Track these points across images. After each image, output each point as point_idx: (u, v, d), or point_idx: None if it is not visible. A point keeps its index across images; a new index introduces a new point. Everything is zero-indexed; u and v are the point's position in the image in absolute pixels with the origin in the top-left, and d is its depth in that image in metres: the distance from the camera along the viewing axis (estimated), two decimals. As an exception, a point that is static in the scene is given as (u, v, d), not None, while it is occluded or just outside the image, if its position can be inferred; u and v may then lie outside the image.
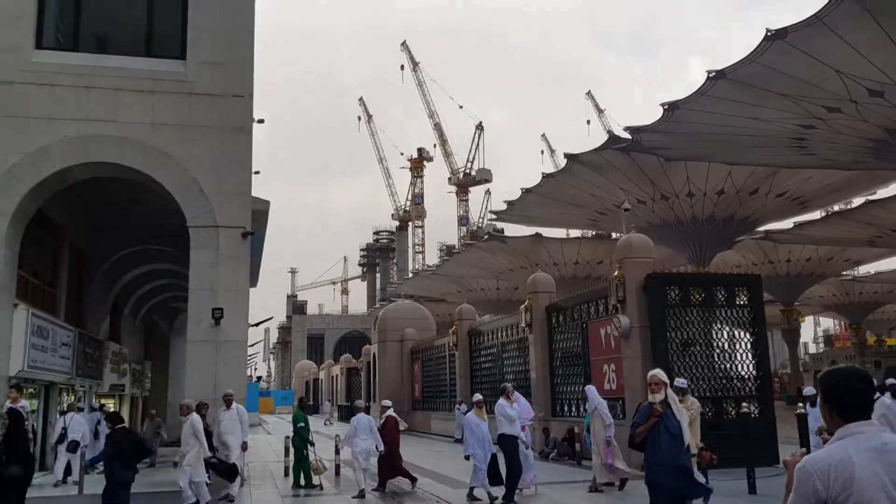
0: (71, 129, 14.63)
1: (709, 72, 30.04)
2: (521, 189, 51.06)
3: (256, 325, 16.19)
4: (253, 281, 37.79)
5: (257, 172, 16.46)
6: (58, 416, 17.78)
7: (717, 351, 16.11)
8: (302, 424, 15.06)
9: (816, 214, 54.33)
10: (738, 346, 16.29)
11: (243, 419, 13.05)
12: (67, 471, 16.00)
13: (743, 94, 30.43)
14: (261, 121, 16.07)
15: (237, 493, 12.73)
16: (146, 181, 15.16)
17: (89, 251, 21.84)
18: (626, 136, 39.38)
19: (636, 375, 15.86)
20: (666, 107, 33.27)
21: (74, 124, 14.67)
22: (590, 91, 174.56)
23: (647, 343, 15.81)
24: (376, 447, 13.80)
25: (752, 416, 15.65)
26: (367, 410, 15.31)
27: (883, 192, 46.24)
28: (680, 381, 10.97)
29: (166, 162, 14.93)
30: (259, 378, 72.02)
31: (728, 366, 16.17)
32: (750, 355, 16.24)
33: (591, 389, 14.14)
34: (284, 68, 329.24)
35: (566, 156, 44.97)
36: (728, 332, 16.19)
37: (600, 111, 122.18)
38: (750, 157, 38.96)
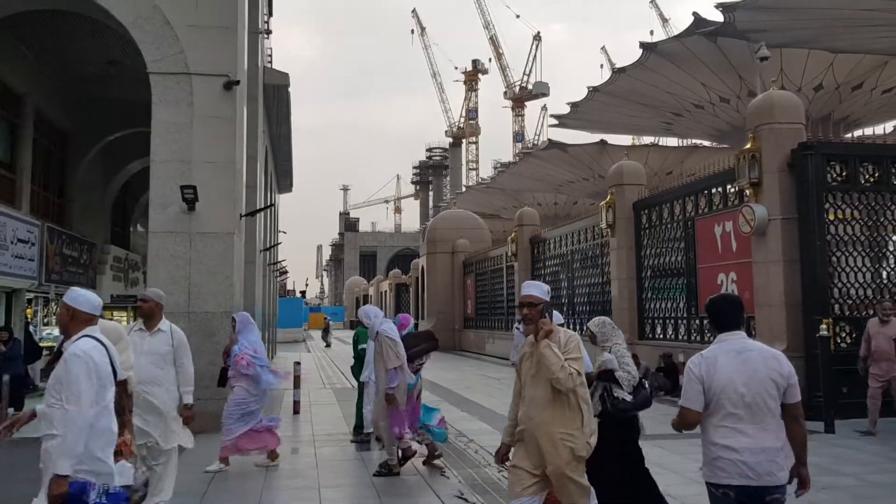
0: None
1: (832, -78, 24.26)
2: (588, 88, 45.83)
3: (251, 214, 11.75)
4: (287, 185, 33.96)
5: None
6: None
7: None
8: (365, 346, 10.34)
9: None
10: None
11: (179, 353, 6.48)
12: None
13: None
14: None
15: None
16: (92, 12, 10.91)
17: (71, 135, 17.86)
18: (714, 19, 33.95)
19: (774, 287, 11.35)
20: (771, -27, 27.64)
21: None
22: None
23: (794, 241, 11.23)
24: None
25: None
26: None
27: None
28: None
29: (116, -19, 10.62)
30: (303, 293, 69.06)
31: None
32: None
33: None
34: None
35: (642, 45, 39.44)
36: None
37: (665, 20, 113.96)
38: (863, 41, 33.01)
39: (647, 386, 6.01)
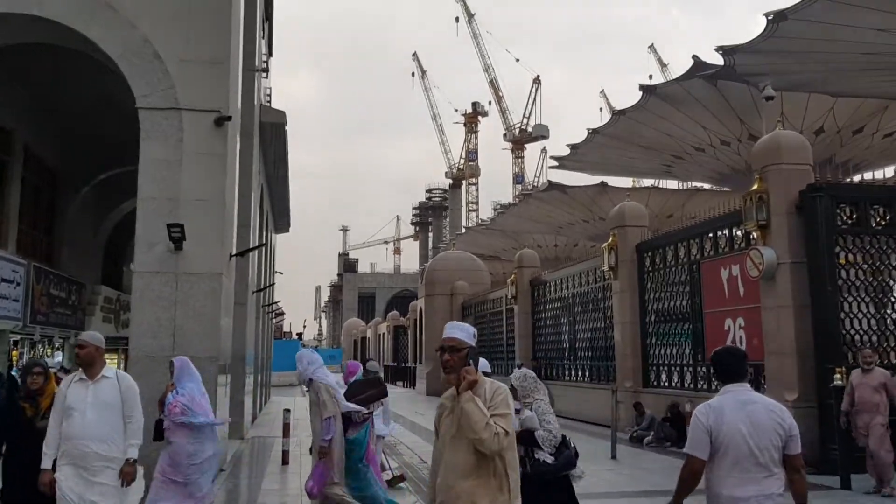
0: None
1: (832, -34, 24.23)
2: (588, 130, 45.76)
3: (242, 253, 11.32)
4: (284, 224, 33.63)
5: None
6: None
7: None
8: None
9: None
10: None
11: (128, 401, 5.64)
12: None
13: (872, -3, 24.60)
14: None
15: None
16: (80, 45, 10.62)
17: (62, 173, 17.53)
18: (714, 62, 33.90)
19: (785, 334, 10.91)
20: (770, 17, 27.51)
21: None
22: (652, 45, 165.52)
23: (804, 286, 10.81)
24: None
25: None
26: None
27: None
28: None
29: (105, 14, 10.36)
30: (300, 335, 68.41)
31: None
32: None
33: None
34: (335, 23, 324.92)
35: (641, 87, 39.41)
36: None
37: (663, 65, 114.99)
38: (864, 85, 32.93)
39: (571, 445, 5.61)
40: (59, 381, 7.19)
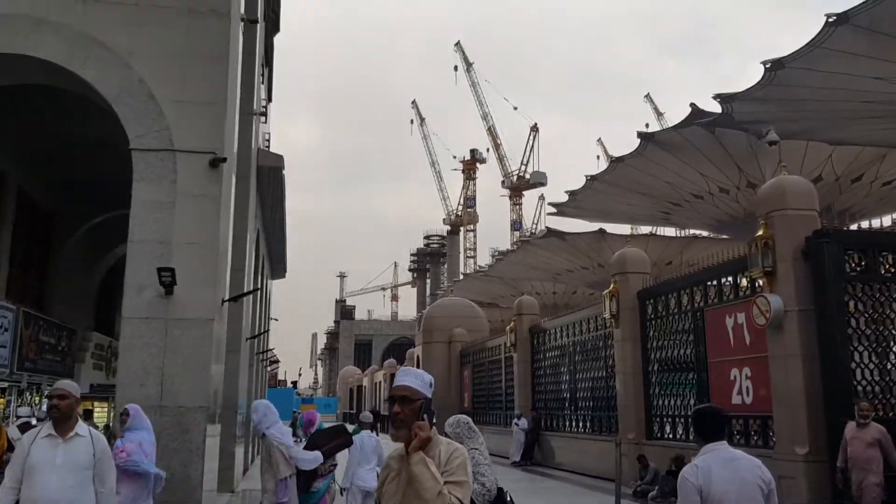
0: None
1: (828, 15, 24.40)
2: (586, 177, 45.83)
3: (235, 299, 11.01)
4: (280, 270, 33.35)
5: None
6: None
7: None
8: None
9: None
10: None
11: (102, 466, 4.95)
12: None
13: (870, 46, 24.73)
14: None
15: None
16: (75, 86, 10.46)
17: (55, 215, 17.31)
18: (711, 110, 34.04)
19: (794, 385, 10.58)
20: (768, 66, 27.66)
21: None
22: (648, 94, 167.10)
23: (812, 335, 10.51)
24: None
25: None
26: (374, 426, 10.34)
27: None
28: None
29: (100, 55, 10.18)
30: (294, 383, 67.64)
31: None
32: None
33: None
34: (335, 71, 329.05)
35: (639, 134, 39.57)
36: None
37: (659, 114, 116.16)
38: (861, 133, 33.02)
39: (508, 499, 5.29)
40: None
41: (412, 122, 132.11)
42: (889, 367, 10.51)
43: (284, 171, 18.96)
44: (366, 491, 8.71)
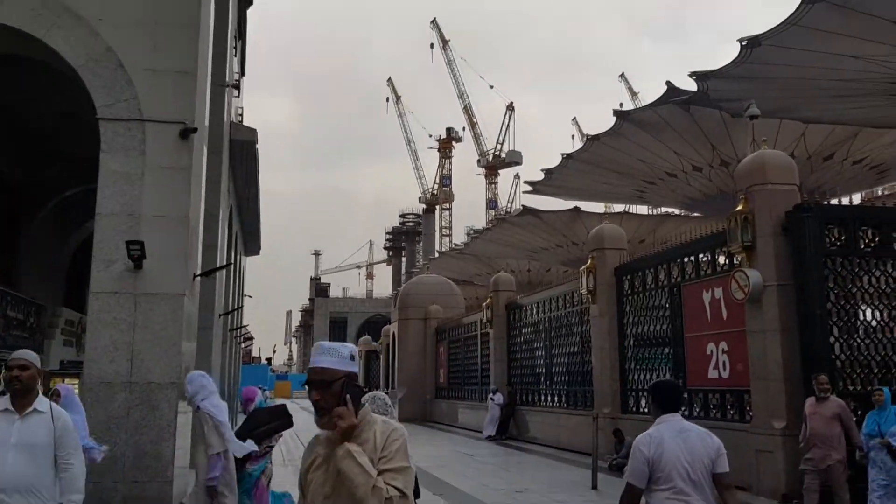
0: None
1: (805, -8, 24.32)
2: (562, 155, 45.74)
3: (207, 274, 10.76)
4: (254, 247, 32.98)
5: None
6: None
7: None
8: None
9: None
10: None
11: (64, 443, 4.31)
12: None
13: (845, 23, 24.74)
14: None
15: None
16: (40, 54, 10.11)
17: (23, 190, 16.87)
18: (687, 88, 34.02)
19: (771, 359, 10.58)
20: (744, 43, 27.60)
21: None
22: (623, 74, 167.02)
23: (790, 309, 10.50)
24: None
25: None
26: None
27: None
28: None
29: (67, 22, 9.85)
30: (269, 360, 67.36)
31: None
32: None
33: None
34: (310, 48, 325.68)
35: (615, 112, 39.49)
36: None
37: (634, 94, 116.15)
38: (835, 111, 33.18)
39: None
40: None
41: (388, 99, 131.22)
42: (870, 342, 10.48)
43: (258, 146, 18.63)
44: None
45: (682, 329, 13.40)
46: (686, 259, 13.48)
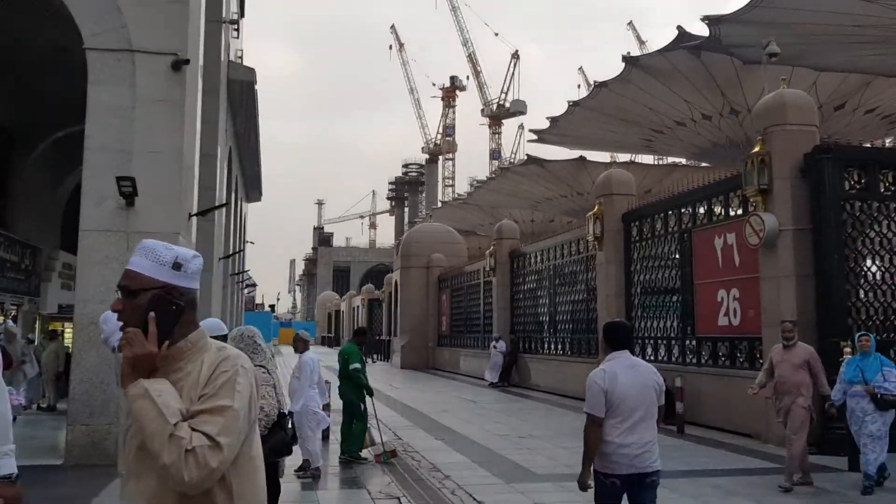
0: None
1: (823, -69, 23.45)
2: (568, 102, 44.93)
3: (203, 213, 10.39)
4: (255, 194, 32.57)
5: None
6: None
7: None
8: (357, 365, 9.47)
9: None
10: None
11: None
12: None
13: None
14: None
15: None
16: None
17: (15, 129, 16.42)
18: (699, 33, 33.18)
19: (785, 305, 10.23)
20: (759, -15, 26.80)
21: None
22: (631, 21, 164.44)
23: (807, 254, 10.13)
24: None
25: None
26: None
27: None
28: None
29: (51, -56, 9.34)
30: (272, 307, 67.42)
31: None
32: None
33: None
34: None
35: (624, 59, 38.59)
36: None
37: (642, 42, 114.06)
38: (848, 58, 32.39)
39: (289, 426, 4.90)
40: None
41: (391, 47, 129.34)
42: (888, 287, 10.12)
43: (257, 87, 18.11)
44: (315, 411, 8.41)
45: (692, 276, 13.06)
46: (698, 204, 13.06)
